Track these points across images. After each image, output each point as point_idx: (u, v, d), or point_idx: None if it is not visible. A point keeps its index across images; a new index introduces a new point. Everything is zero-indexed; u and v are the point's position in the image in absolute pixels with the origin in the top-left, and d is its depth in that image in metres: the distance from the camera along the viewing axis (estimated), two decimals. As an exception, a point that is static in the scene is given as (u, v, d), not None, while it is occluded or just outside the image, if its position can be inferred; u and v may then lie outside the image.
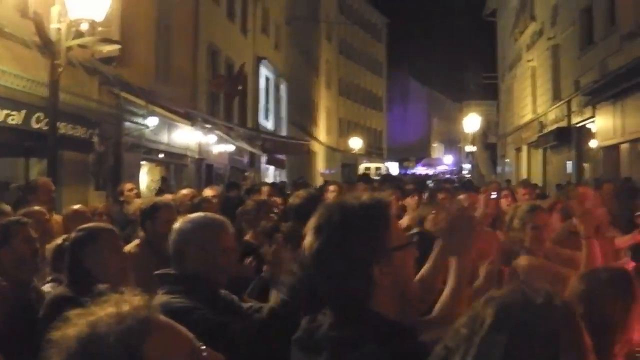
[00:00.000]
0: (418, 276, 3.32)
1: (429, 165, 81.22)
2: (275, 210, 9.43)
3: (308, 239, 2.25)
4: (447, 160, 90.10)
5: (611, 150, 21.70)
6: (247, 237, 7.38)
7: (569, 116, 26.53)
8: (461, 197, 8.75)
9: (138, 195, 11.32)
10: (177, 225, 3.75)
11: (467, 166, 60.92)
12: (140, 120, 16.94)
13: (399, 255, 2.25)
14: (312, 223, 2.27)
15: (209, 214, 3.99)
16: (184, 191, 10.79)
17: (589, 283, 3.19)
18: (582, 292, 3.14)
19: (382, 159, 72.66)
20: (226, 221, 3.87)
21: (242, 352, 3.22)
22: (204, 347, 1.66)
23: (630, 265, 6.69)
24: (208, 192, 10.20)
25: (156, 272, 3.69)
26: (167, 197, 10.82)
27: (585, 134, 25.42)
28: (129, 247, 5.97)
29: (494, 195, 7.38)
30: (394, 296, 2.23)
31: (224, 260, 3.64)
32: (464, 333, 1.68)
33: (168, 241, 3.72)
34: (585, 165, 26.16)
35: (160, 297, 3.37)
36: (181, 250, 3.61)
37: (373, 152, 71.90)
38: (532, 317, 1.62)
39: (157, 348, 1.52)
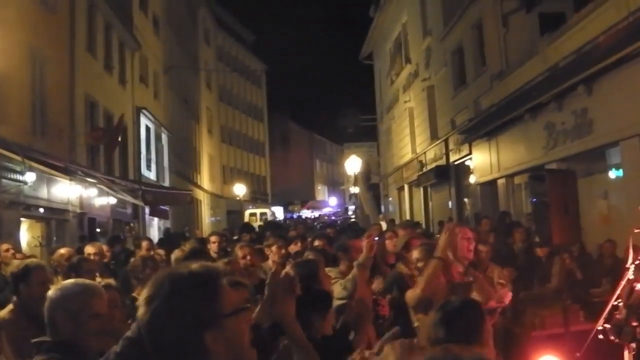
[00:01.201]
0: None
1: (315, 208, 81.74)
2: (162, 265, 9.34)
3: (140, 310, 2.22)
4: (332, 202, 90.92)
5: (488, 186, 22.44)
6: (135, 293, 7.33)
7: (447, 154, 27.29)
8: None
9: (15, 255, 10.85)
10: (50, 292, 3.78)
11: (352, 207, 61.55)
12: (17, 176, 16.39)
13: (232, 322, 2.23)
14: (144, 294, 2.25)
15: (80, 281, 3.99)
16: (62, 250, 10.46)
17: (445, 309, 3.75)
18: (439, 318, 3.69)
19: (267, 204, 72.68)
20: (97, 286, 3.93)
21: None
22: None
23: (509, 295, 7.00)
24: (89, 250, 9.89)
25: (33, 340, 3.66)
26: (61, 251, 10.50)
27: (463, 171, 26.20)
28: (2, 313, 5.76)
29: (375, 239, 7.55)
30: None
31: (95, 325, 3.65)
32: None
33: (43, 304, 3.73)
34: (466, 200, 26.90)
35: None
36: (52, 317, 3.65)
37: (258, 197, 71.91)
38: None
39: None
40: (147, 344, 2.23)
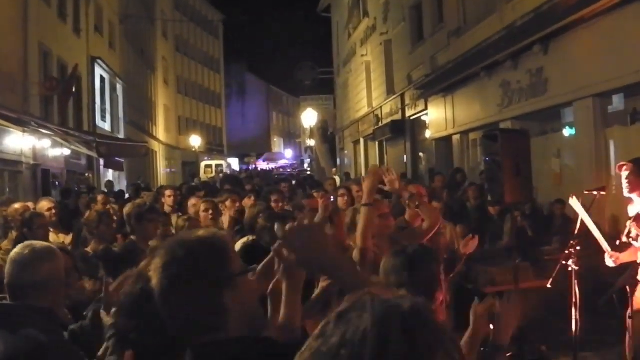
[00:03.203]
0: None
1: (271, 160, 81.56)
2: (115, 218, 9.32)
3: (155, 279, 2.28)
4: (288, 155, 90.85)
5: (443, 142, 22.65)
6: (89, 247, 7.35)
7: (403, 109, 27.41)
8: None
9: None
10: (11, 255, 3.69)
11: (308, 160, 61.64)
12: (-32, 127, 16.16)
13: (243, 281, 2.35)
14: (157, 262, 2.30)
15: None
16: (16, 205, 10.37)
17: (406, 253, 3.76)
18: (402, 262, 3.69)
19: (223, 156, 72.37)
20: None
21: None
22: None
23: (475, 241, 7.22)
24: (44, 204, 9.77)
25: None
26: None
27: (419, 126, 26.36)
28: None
29: (331, 199, 7.59)
30: (244, 322, 2.32)
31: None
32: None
33: None
34: (421, 155, 27.12)
35: None
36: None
37: (214, 149, 71.56)
38: (407, 324, 1.59)
39: None
40: (163, 313, 2.29)
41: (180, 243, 2.34)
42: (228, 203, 9.33)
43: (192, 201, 10.50)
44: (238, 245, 5.88)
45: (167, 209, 10.81)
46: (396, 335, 1.51)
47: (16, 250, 3.68)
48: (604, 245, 7.02)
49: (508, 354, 3.49)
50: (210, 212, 8.41)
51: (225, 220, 9.05)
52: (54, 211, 9.49)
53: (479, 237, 7.61)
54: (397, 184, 6.15)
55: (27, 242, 3.78)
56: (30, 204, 10.53)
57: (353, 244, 5.46)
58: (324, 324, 1.62)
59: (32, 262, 3.54)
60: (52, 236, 8.79)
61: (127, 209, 7.40)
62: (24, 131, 19.92)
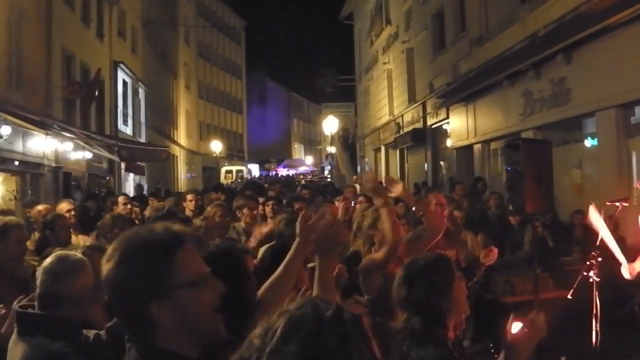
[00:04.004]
0: (270, 280, 3.52)
1: (291, 166, 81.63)
2: (136, 222, 9.36)
3: (103, 269, 2.14)
4: (308, 161, 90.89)
5: (464, 151, 22.56)
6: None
7: (424, 117, 27.37)
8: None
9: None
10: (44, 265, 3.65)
11: (328, 167, 61.69)
12: (-8, 129, 16.25)
13: (185, 294, 2.11)
14: (108, 251, 2.16)
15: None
16: (39, 207, 10.46)
17: (409, 268, 3.66)
18: (403, 277, 3.63)
19: (244, 161, 72.62)
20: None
21: None
22: None
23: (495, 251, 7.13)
24: (63, 206, 9.80)
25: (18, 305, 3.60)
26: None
27: (440, 134, 26.30)
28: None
29: (352, 204, 7.59)
30: (182, 334, 2.13)
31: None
32: (257, 344, 1.72)
33: (19, 262, 3.66)
34: (442, 163, 27.05)
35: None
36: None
37: (234, 154, 71.77)
38: (321, 330, 1.68)
39: None
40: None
41: (125, 240, 2.18)
42: (245, 211, 9.06)
43: (213, 195, 10.50)
44: (262, 251, 5.87)
45: (188, 213, 10.83)
46: (299, 337, 1.66)
47: (50, 260, 3.66)
48: (619, 256, 6.97)
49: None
50: (222, 215, 8.39)
51: (242, 225, 8.93)
52: (73, 212, 9.52)
53: (499, 246, 7.58)
54: (403, 192, 6.14)
55: (60, 253, 3.76)
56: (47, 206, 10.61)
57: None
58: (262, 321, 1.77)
59: (68, 275, 3.55)
60: (74, 237, 8.84)
61: (147, 213, 7.45)
62: (46, 134, 20.05)
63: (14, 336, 3.41)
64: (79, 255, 3.83)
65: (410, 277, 3.62)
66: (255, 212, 9.25)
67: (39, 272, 3.63)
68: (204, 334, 2.17)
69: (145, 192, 27.43)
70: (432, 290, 3.54)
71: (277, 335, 1.69)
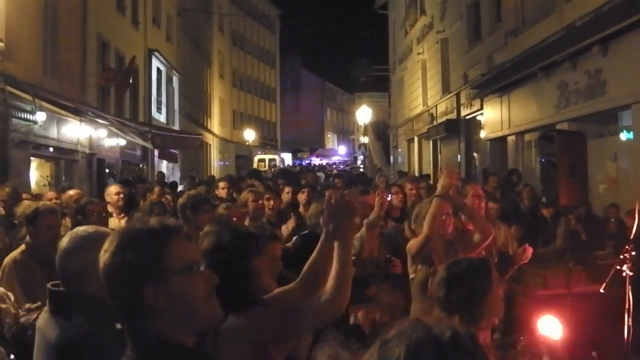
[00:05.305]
0: (306, 266, 3.64)
1: (324, 156, 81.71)
2: (168, 209, 9.44)
3: (101, 258, 2.26)
4: (341, 151, 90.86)
5: (498, 142, 22.37)
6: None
7: (458, 108, 27.17)
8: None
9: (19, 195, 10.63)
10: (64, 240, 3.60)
11: (361, 157, 61.61)
12: (28, 115, 16.39)
13: (179, 280, 2.21)
14: (106, 244, 2.28)
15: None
16: (71, 192, 10.54)
17: (450, 270, 3.68)
18: (443, 279, 3.75)
19: (276, 150, 72.75)
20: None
21: None
22: None
23: (529, 250, 7.05)
24: (112, 189, 9.72)
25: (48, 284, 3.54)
26: (50, 194, 10.61)
27: (474, 125, 26.11)
28: (14, 254, 5.85)
29: (388, 198, 7.50)
30: (177, 320, 2.23)
31: None
32: None
33: (51, 247, 3.65)
34: (475, 155, 26.87)
35: None
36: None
37: (267, 143, 71.94)
38: (445, 356, 1.67)
39: None
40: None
41: (122, 231, 2.32)
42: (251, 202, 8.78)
43: (248, 181, 10.51)
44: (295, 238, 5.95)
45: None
46: None
47: (64, 237, 3.67)
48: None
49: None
50: (258, 201, 8.47)
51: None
52: (121, 195, 9.59)
53: (531, 239, 7.52)
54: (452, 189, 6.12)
55: (73, 230, 3.74)
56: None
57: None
58: (370, 350, 1.73)
59: (74, 250, 3.52)
60: (115, 221, 9.08)
61: (182, 199, 7.47)
62: (80, 120, 20.24)
63: (44, 314, 3.41)
64: (91, 230, 3.75)
65: (451, 279, 3.68)
66: (260, 202, 8.97)
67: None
68: (198, 321, 2.27)
69: (174, 180, 27.64)
70: (470, 295, 3.64)
71: None
